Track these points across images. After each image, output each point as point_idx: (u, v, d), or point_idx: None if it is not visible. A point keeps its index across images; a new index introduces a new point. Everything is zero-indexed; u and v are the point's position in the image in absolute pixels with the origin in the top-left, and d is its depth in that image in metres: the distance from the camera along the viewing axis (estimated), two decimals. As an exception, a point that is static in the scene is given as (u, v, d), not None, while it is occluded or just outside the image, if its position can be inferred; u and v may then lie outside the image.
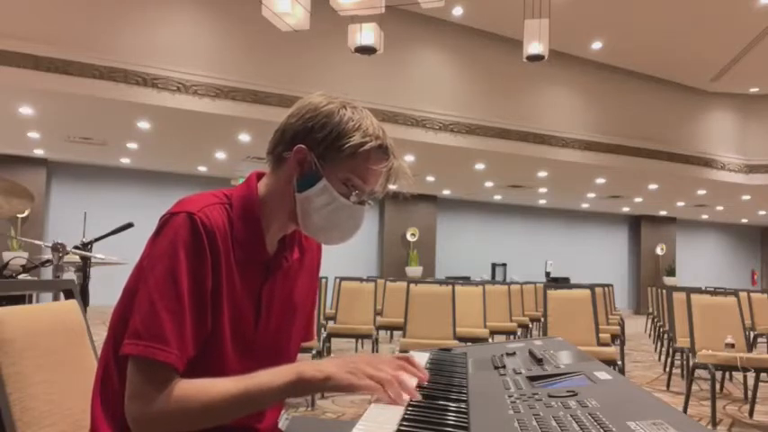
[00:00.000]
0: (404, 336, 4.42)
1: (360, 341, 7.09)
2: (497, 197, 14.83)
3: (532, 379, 1.01)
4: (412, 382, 0.92)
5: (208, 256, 0.98)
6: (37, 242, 3.59)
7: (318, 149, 1.03)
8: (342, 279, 5.90)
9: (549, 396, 0.87)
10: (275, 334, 1.12)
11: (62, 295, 1.44)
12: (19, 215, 9.93)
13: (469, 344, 1.66)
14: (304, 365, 0.91)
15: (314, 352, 4.15)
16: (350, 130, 1.02)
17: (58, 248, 2.80)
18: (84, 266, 2.95)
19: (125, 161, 11.21)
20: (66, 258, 2.87)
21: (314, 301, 1.28)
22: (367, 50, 6.01)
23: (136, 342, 0.90)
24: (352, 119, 1.03)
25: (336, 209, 1.05)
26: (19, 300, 2.59)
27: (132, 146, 9.79)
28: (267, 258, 1.09)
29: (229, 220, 1.04)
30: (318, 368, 0.90)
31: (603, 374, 0.99)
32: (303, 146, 1.03)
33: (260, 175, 1.13)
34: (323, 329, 5.23)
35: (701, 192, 13.29)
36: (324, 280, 5.17)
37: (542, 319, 5.00)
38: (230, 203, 1.06)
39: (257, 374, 0.91)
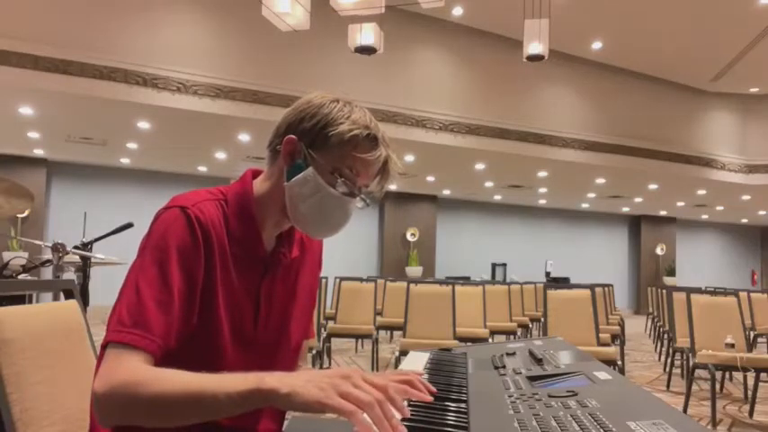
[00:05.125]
0: (404, 336, 4.42)
1: (360, 341, 7.09)
2: (497, 197, 14.83)
3: (532, 379, 1.01)
4: (401, 407, 0.78)
5: (201, 250, 0.98)
6: (37, 242, 3.60)
7: (307, 139, 1.04)
8: (342, 279, 5.91)
9: (549, 396, 0.87)
10: (276, 330, 1.12)
11: (62, 295, 1.44)
12: (19, 215, 9.92)
13: (469, 344, 1.66)
14: (269, 376, 0.79)
15: (314, 352, 4.15)
16: (338, 118, 1.03)
17: (58, 248, 2.81)
18: (84, 266, 2.95)
19: (125, 161, 11.21)
20: (67, 258, 2.88)
21: (315, 299, 1.28)
22: (367, 50, 6.01)
23: (119, 329, 0.89)
24: (342, 110, 1.05)
25: (323, 198, 1.04)
26: (19, 300, 2.59)
27: (132, 146, 9.78)
28: (264, 255, 1.09)
29: (224, 216, 1.04)
30: (283, 380, 0.78)
31: (603, 374, 0.99)
32: (293, 136, 1.04)
33: (256, 173, 1.14)
34: (323, 329, 5.23)
35: (701, 192, 13.29)
36: (324, 280, 5.17)
37: (542, 319, 5.00)
38: (225, 200, 1.06)
39: (221, 376, 0.82)
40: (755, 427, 3.87)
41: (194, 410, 0.82)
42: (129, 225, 3.06)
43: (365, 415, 0.73)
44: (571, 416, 0.76)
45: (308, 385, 0.76)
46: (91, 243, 3.01)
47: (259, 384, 0.78)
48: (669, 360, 5.46)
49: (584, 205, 15.94)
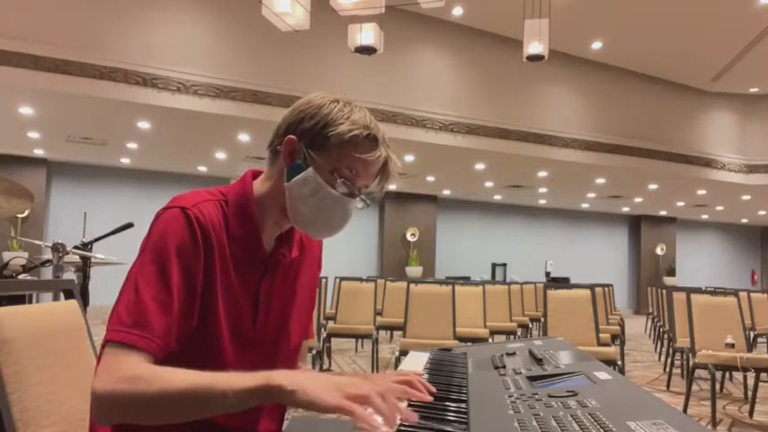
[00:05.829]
0: (404, 336, 4.42)
1: (360, 341, 7.09)
2: (497, 197, 14.83)
3: (532, 379, 1.01)
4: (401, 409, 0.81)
5: (201, 250, 0.98)
6: (37, 242, 3.60)
7: (307, 139, 1.04)
8: (342, 279, 5.90)
9: (549, 396, 0.87)
10: (275, 331, 1.12)
11: (62, 295, 1.44)
12: (19, 215, 9.92)
13: (469, 344, 1.66)
14: (278, 374, 0.82)
15: (314, 352, 4.15)
16: (338, 119, 1.03)
17: (58, 248, 2.80)
18: (84, 266, 2.95)
19: (125, 161, 11.21)
20: (67, 258, 2.87)
21: (314, 299, 1.28)
22: (367, 50, 6.01)
23: (119, 329, 0.89)
24: (342, 110, 1.05)
25: (323, 198, 1.04)
26: (19, 300, 2.59)
27: (132, 146, 9.78)
28: (264, 256, 1.09)
29: (224, 216, 1.04)
30: (290, 378, 0.81)
31: (603, 374, 0.99)
32: (293, 136, 1.05)
33: (256, 174, 1.14)
34: (323, 329, 5.23)
35: (701, 192, 13.29)
36: (324, 280, 5.17)
37: (542, 319, 5.00)
38: (226, 201, 1.07)
39: (227, 374, 0.84)
40: (755, 427, 3.87)
41: (198, 406, 0.83)
42: (129, 225, 3.06)
43: (370, 410, 0.75)
44: (571, 416, 0.76)
45: (313, 385, 0.79)
46: (91, 243, 3.01)
47: (267, 381, 0.80)
48: (669, 360, 5.46)
49: (584, 205, 15.94)
